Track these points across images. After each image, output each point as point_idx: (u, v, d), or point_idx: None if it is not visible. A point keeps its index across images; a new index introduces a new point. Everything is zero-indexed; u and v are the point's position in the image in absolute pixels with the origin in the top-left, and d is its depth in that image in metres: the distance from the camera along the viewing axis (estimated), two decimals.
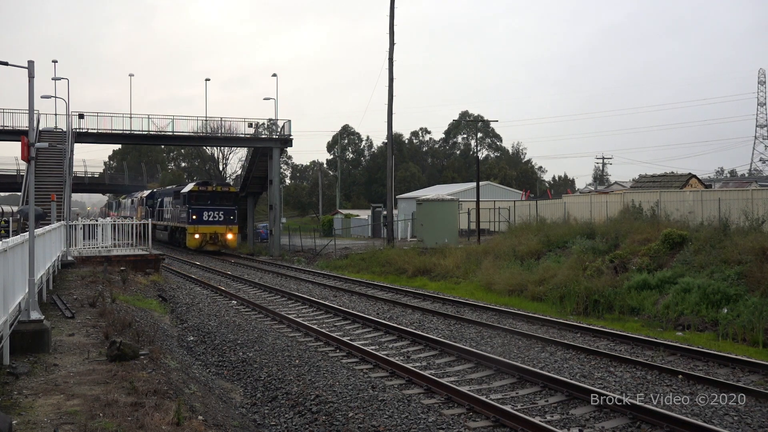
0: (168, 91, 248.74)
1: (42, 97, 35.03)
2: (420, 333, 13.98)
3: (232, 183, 62.92)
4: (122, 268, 20.64)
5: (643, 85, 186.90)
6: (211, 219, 38.67)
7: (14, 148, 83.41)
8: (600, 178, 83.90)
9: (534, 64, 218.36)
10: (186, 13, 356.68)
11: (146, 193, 54.50)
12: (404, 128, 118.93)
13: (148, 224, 26.95)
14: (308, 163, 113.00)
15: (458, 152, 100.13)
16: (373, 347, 13.13)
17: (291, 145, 51.33)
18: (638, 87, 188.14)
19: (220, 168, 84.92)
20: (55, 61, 48.20)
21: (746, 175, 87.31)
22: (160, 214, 47.90)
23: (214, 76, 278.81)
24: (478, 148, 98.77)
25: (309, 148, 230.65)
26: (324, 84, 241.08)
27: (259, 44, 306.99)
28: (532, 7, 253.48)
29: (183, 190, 40.75)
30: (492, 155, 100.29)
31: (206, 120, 49.77)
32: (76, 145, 43.57)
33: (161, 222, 47.05)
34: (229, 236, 39.43)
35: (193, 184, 39.88)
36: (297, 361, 12.03)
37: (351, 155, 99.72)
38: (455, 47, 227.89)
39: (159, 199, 49.39)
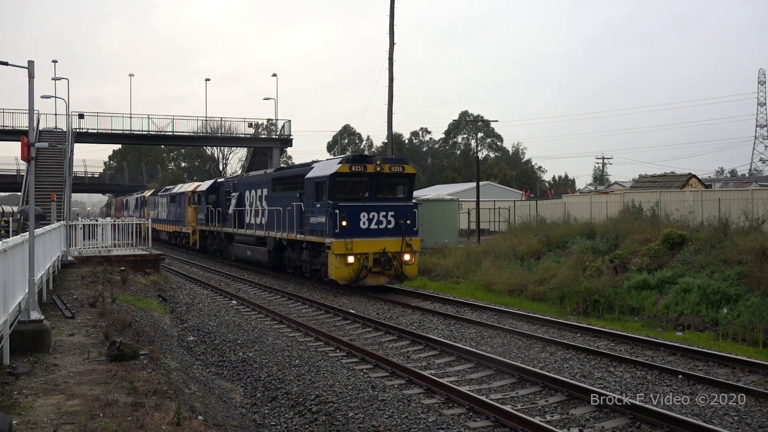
0: (164, 89, 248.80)
1: (42, 97, 35.17)
2: (420, 333, 13.98)
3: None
4: (122, 268, 20.64)
5: (642, 84, 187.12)
6: (375, 226, 20.74)
7: (14, 148, 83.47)
8: (600, 178, 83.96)
9: (533, 63, 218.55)
10: (183, 11, 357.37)
11: (205, 185, 36.00)
12: (404, 128, 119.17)
13: (148, 225, 26.95)
14: None
15: (458, 152, 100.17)
16: (373, 347, 13.13)
17: (291, 145, 51.35)
18: (638, 86, 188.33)
19: (220, 168, 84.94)
20: (55, 61, 48.42)
21: (746, 175, 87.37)
22: (240, 218, 29.34)
23: (211, 75, 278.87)
24: (478, 148, 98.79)
25: (309, 148, 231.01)
26: (324, 83, 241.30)
27: (258, 43, 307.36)
28: (531, 4, 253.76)
29: (314, 174, 22.03)
30: (492, 155, 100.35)
31: (206, 120, 49.93)
32: (76, 145, 43.72)
33: (244, 231, 28.48)
34: (407, 257, 20.95)
35: (339, 161, 21.35)
36: (297, 361, 12.03)
37: None
38: (455, 46, 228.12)
39: (236, 194, 30.11)
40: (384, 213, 20.85)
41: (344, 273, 20.36)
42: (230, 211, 30.36)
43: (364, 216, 20.55)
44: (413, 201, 22.06)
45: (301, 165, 26.10)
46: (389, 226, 20.88)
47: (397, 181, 21.62)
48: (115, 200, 76.85)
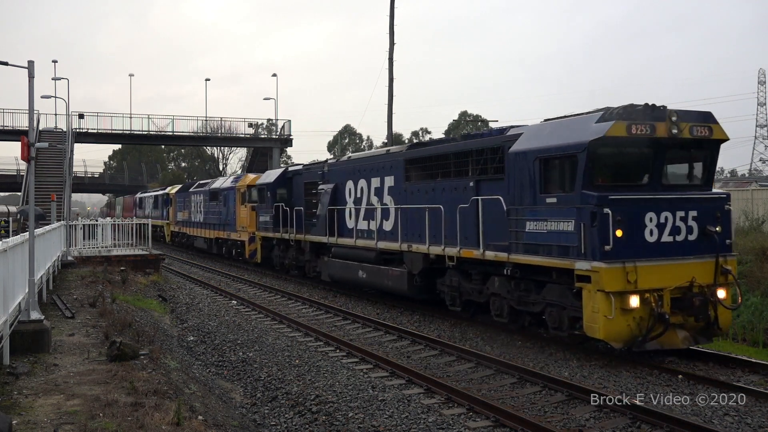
0: (164, 88, 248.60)
1: (42, 97, 35.23)
2: (420, 333, 13.99)
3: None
4: (122, 268, 20.65)
5: (642, 84, 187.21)
6: (668, 238, 11.00)
7: (14, 148, 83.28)
8: None
9: (533, 63, 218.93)
10: (182, 11, 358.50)
11: (269, 176, 26.00)
12: (404, 128, 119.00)
13: (148, 224, 26.93)
14: None
15: None
16: (373, 347, 13.14)
17: (291, 145, 51.50)
18: (638, 86, 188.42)
19: (220, 168, 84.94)
20: (55, 61, 48.52)
21: (746, 175, 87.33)
22: (339, 221, 20.17)
23: (211, 75, 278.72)
24: None
25: (309, 148, 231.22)
26: (324, 83, 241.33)
27: (258, 43, 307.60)
28: (531, 4, 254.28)
29: (536, 144, 12.00)
30: None
31: (206, 120, 50.00)
32: (76, 145, 43.76)
33: (353, 241, 19.13)
34: (722, 293, 11.20)
35: (599, 118, 10.94)
36: (297, 360, 12.04)
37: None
38: (455, 46, 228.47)
39: (328, 186, 20.91)
40: (682, 213, 11.30)
41: (622, 327, 10.66)
42: (321, 211, 21.12)
43: (650, 219, 11.07)
44: (720, 191, 12.79)
45: (469, 135, 15.42)
46: (690, 237, 11.35)
47: (696, 154, 11.98)
48: (122, 198, 68.73)
